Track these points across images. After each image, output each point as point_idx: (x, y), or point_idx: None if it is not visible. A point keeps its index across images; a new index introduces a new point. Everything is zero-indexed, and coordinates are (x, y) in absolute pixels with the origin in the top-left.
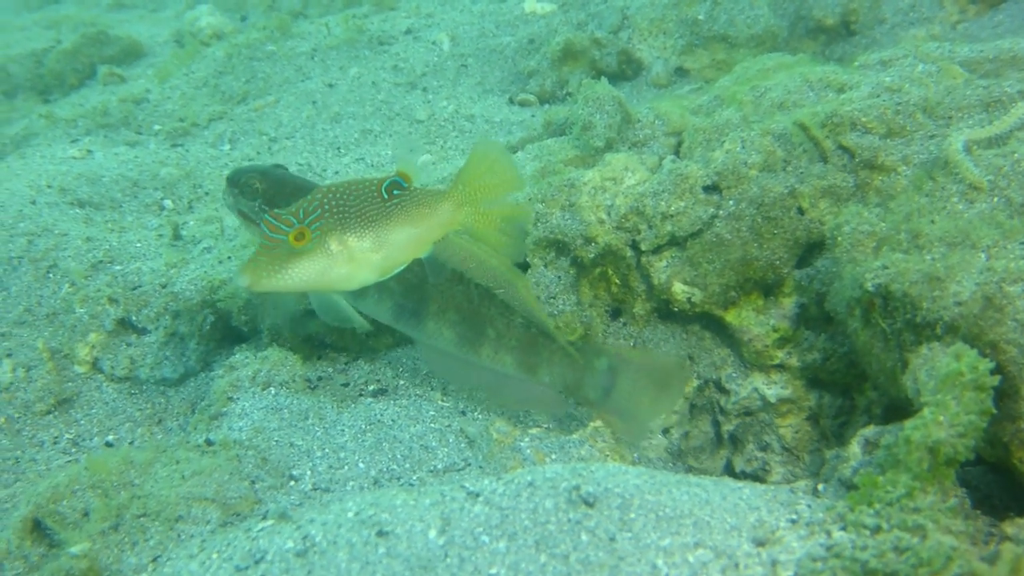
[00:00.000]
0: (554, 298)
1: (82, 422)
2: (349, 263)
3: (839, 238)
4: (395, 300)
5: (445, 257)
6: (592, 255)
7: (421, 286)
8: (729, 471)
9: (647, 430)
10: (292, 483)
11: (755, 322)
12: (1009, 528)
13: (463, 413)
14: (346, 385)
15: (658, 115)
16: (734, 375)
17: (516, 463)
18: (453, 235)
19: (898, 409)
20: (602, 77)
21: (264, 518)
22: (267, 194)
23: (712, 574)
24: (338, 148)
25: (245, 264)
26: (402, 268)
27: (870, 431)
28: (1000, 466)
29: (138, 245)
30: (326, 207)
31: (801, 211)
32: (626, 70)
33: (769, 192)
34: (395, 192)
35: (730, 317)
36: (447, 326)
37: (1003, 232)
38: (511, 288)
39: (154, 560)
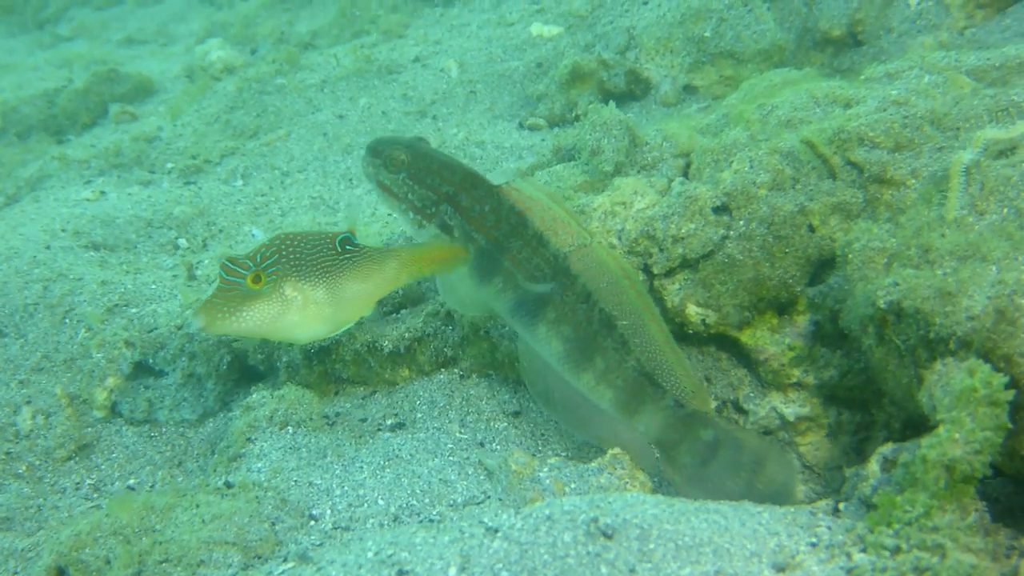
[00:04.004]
0: None
1: (103, 467)
2: (302, 311)
3: (850, 255)
4: (518, 294)
5: (580, 269)
6: None
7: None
8: None
9: None
10: (312, 523)
11: (770, 341)
12: None
13: (481, 444)
14: (364, 420)
15: (666, 137)
16: (752, 395)
17: (536, 494)
18: (595, 245)
19: (917, 423)
20: (610, 100)
21: (285, 560)
22: (412, 168)
23: None
24: (350, 180)
25: (200, 305)
26: (350, 327)
27: (888, 449)
28: (1020, 478)
29: (153, 287)
30: (283, 253)
31: (812, 228)
32: (634, 90)
33: (779, 211)
34: (347, 247)
35: (745, 337)
36: (558, 338)
37: (1014, 244)
38: (638, 321)
39: None
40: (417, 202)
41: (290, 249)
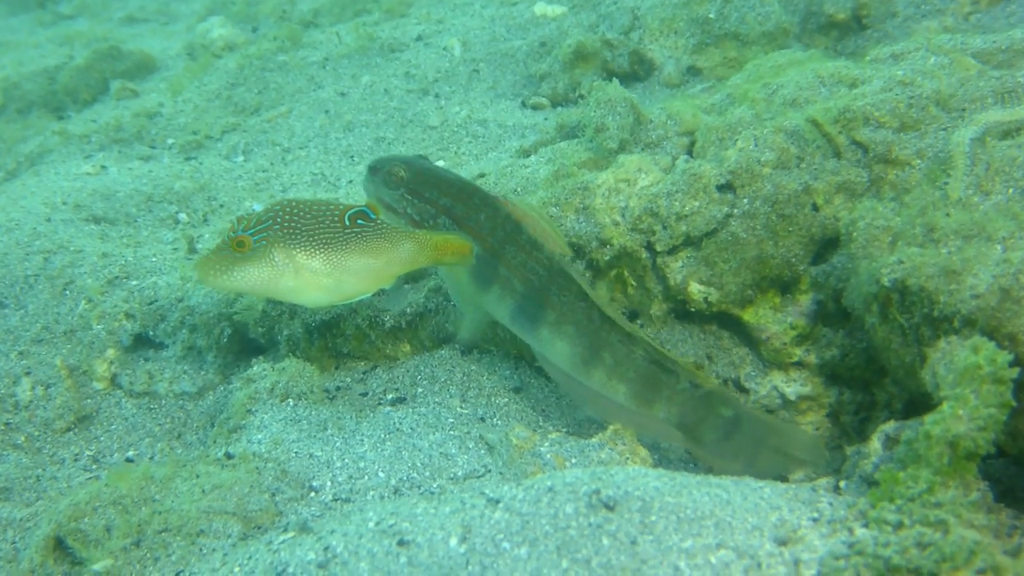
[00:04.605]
0: None
1: (102, 438)
2: (296, 277)
3: (854, 234)
4: (516, 300)
5: (575, 271)
6: (607, 257)
7: (545, 291)
8: None
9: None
10: (312, 494)
11: (772, 320)
12: None
13: (482, 419)
14: (365, 394)
15: (670, 115)
16: (753, 374)
17: (536, 468)
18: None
19: (918, 404)
20: (613, 78)
21: (285, 530)
22: (411, 183)
23: (734, 575)
24: (352, 156)
25: (199, 260)
26: (364, 296)
27: (890, 427)
28: (1022, 459)
29: (154, 259)
30: (279, 220)
31: (816, 207)
32: (638, 70)
33: (783, 189)
34: (359, 222)
35: (747, 316)
36: (562, 338)
37: (1019, 223)
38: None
39: (176, 575)
40: (416, 215)
41: (286, 217)
